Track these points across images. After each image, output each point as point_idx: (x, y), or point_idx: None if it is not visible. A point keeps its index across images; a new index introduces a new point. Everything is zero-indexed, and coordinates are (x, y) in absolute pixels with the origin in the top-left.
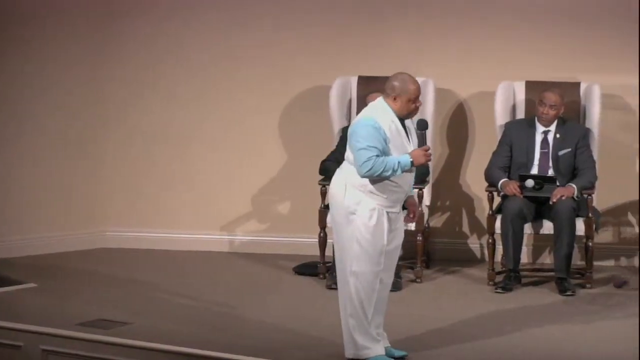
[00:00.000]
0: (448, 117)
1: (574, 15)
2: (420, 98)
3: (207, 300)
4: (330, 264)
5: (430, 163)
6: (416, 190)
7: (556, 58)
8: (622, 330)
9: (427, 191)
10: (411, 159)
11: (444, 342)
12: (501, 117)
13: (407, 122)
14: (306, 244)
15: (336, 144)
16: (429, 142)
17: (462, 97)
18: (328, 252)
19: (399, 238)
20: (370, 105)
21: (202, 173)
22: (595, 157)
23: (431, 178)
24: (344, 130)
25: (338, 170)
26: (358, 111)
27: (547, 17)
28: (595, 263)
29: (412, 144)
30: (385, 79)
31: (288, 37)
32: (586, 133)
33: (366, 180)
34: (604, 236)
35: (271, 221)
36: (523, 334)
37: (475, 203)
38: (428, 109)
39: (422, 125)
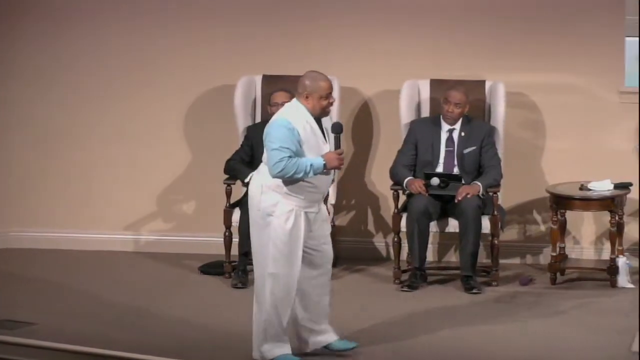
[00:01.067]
0: (353, 115)
1: (479, 14)
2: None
3: (112, 299)
4: (235, 263)
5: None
6: None
7: (461, 56)
8: (528, 328)
9: (332, 190)
10: (324, 162)
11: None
12: (406, 116)
13: (325, 123)
14: (212, 243)
15: (241, 143)
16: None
17: (367, 96)
18: (233, 252)
19: (323, 230)
20: (286, 106)
21: (106, 172)
22: (501, 155)
23: (336, 177)
24: (249, 130)
25: (256, 172)
26: (263, 110)
27: (451, 15)
28: (501, 261)
29: (328, 145)
30: (289, 78)
31: (193, 36)
32: (491, 131)
33: (283, 182)
34: (510, 234)
35: (176, 220)
36: (429, 332)
37: (380, 201)
38: (333, 108)
39: (337, 129)
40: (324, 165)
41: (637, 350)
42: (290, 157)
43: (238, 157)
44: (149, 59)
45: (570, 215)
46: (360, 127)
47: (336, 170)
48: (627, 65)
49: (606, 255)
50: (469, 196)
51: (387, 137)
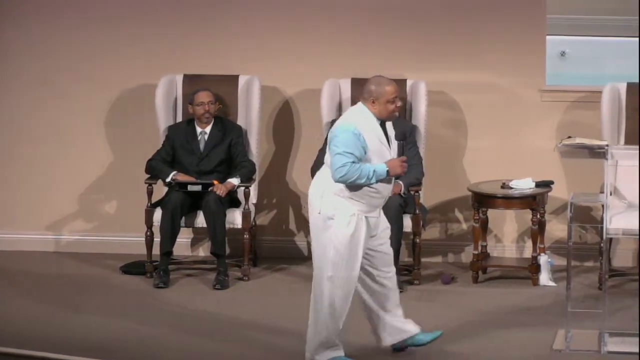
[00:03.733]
0: (274, 114)
1: (400, 13)
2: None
3: (33, 300)
4: (157, 263)
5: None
6: (242, 187)
7: (382, 55)
8: (450, 326)
9: (253, 189)
10: (387, 168)
11: (270, 340)
12: (327, 115)
13: (388, 128)
14: (133, 242)
15: (162, 142)
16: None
17: (288, 95)
18: (155, 251)
19: (385, 237)
20: (350, 110)
21: (27, 172)
22: (422, 153)
23: (257, 176)
24: (170, 129)
25: (317, 175)
26: (184, 110)
27: (372, 14)
28: (423, 259)
29: (392, 151)
30: (210, 77)
31: (114, 35)
32: (412, 129)
33: (346, 186)
34: (431, 232)
35: (98, 220)
36: (348, 329)
37: (301, 200)
38: (254, 107)
39: (401, 136)
40: (387, 172)
41: (559, 348)
42: (353, 162)
43: (159, 157)
44: (70, 59)
45: (492, 213)
46: (281, 126)
47: (257, 170)
48: (548, 63)
49: (528, 253)
50: (391, 194)
51: (308, 137)
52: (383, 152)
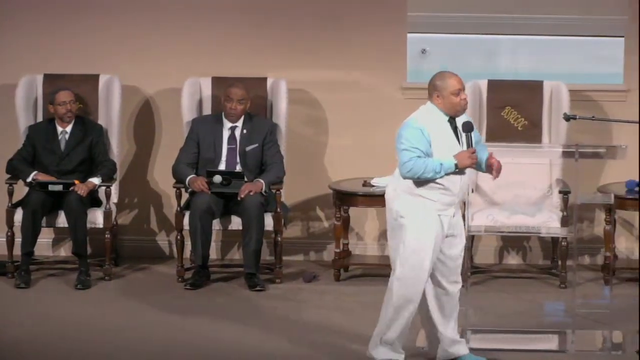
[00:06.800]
0: (135, 114)
1: (260, 11)
2: (460, 91)
3: None
4: (18, 263)
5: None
6: (103, 187)
7: (242, 54)
8: (311, 324)
9: (114, 188)
10: (455, 161)
11: (133, 340)
12: (188, 114)
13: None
14: None
15: (23, 142)
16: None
17: (149, 94)
18: (16, 252)
19: (461, 243)
20: (420, 108)
21: None
22: (283, 152)
23: (118, 175)
24: (31, 129)
25: (392, 176)
26: (44, 109)
27: (232, 13)
28: (285, 258)
29: (461, 146)
30: (71, 77)
31: None
32: (273, 128)
33: (414, 183)
34: (293, 231)
35: None
36: (212, 329)
37: (163, 199)
38: (114, 107)
39: (467, 127)
40: (455, 164)
41: (422, 345)
42: (419, 157)
43: (20, 157)
44: None
45: (353, 211)
46: (141, 125)
47: (117, 169)
48: (409, 61)
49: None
50: (251, 193)
51: (169, 135)
52: (450, 147)
